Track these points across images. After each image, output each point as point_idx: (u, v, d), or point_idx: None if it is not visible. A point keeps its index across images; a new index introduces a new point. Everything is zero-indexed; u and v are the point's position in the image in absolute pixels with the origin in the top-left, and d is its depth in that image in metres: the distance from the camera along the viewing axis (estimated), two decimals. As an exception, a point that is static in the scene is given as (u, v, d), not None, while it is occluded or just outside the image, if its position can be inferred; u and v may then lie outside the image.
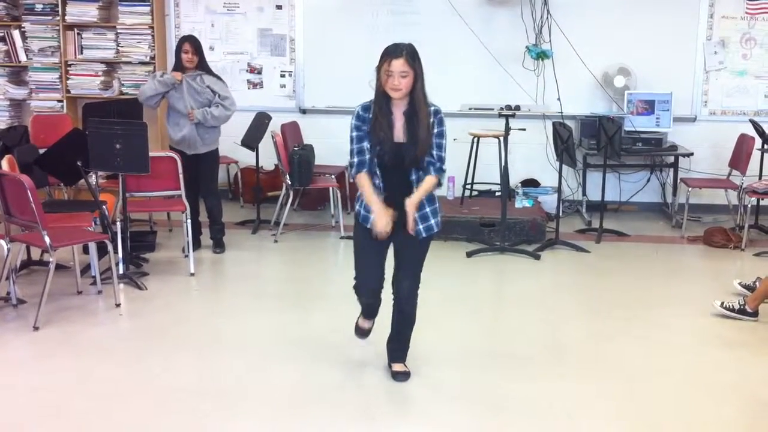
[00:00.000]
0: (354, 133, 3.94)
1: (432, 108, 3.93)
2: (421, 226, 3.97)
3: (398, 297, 4.13)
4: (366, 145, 3.92)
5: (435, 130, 3.92)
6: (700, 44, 8.20)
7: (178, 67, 6.44)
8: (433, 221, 4.02)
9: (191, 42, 6.43)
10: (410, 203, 3.90)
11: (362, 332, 4.48)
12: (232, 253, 6.70)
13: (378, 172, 3.95)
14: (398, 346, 4.28)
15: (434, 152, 3.93)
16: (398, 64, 3.80)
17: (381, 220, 3.89)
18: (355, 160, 3.95)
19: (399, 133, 3.91)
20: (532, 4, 8.09)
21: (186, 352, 4.62)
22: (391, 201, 3.94)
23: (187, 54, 6.37)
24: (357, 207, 4.08)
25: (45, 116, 8.04)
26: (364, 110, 3.94)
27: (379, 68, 3.87)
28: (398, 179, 3.95)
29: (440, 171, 3.96)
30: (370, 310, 4.35)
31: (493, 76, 8.20)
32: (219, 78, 6.55)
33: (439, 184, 3.99)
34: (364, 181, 3.94)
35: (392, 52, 3.83)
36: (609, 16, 8.17)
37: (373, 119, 3.90)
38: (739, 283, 5.69)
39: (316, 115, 8.44)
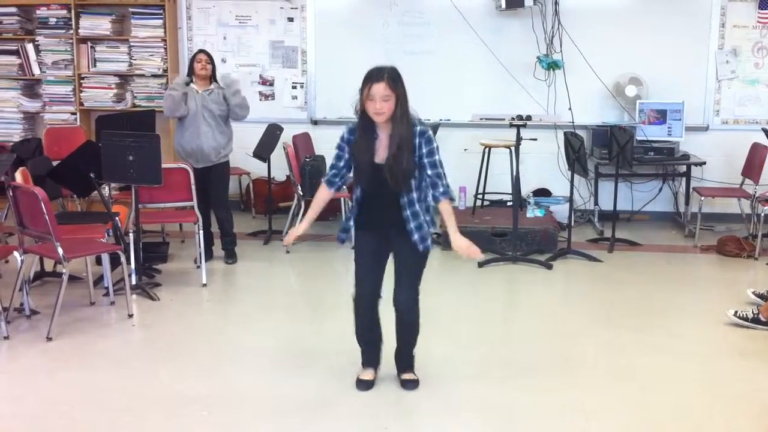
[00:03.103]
0: (335, 152, 4.04)
1: (417, 128, 3.89)
2: (416, 236, 3.96)
3: (398, 310, 4.10)
4: (340, 164, 4.02)
5: (424, 150, 3.88)
6: (711, 53, 8.19)
7: (190, 75, 6.50)
8: (429, 240, 4.04)
9: (206, 53, 6.55)
10: (454, 239, 3.98)
11: (364, 384, 4.20)
12: (244, 264, 6.72)
13: (359, 193, 4.00)
14: (404, 357, 4.27)
15: (429, 171, 3.91)
16: (379, 89, 3.77)
17: (295, 231, 4.17)
18: (328, 173, 4.11)
19: (382, 155, 3.89)
20: (543, 14, 8.10)
21: (198, 363, 4.64)
22: (375, 222, 4.00)
23: (200, 63, 6.42)
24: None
25: (58, 129, 8.12)
26: (350, 133, 3.97)
27: (361, 91, 3.83)
28: (384, 201, 3.94)
29: (446, 194, 3.97)
30: (367, 345, 4.22)
31: (504, 86, 8.20)
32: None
33: (451, 199, 4.03)
34: (318, 192, 4.16)
35: (374, 76, 3.80)
36: (620, 25, 8.17)
37: (355, 142, 3.93)
38: (753, 292, 5.65)
39: (327, 126, 8.44)
